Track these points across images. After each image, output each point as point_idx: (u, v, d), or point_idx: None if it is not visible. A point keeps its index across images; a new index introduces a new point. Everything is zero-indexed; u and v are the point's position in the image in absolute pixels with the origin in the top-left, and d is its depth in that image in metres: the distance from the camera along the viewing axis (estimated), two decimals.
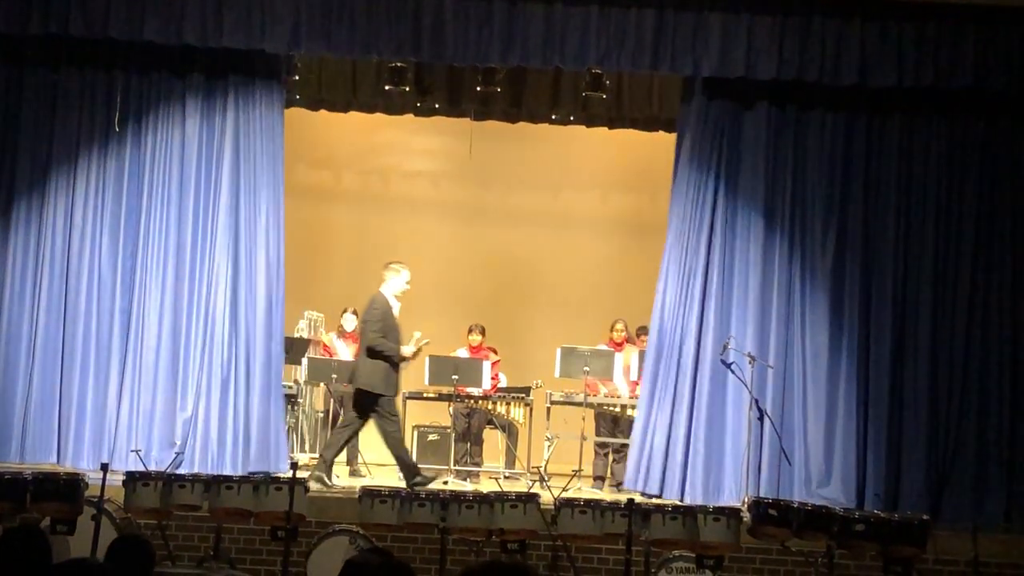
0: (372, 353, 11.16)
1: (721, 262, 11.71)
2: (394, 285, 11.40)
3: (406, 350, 11.31)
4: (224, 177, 11.80)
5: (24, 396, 11.56)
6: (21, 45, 11.69)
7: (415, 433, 13.17)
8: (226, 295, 11.66)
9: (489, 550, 8.92)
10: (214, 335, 11.62)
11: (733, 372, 11.42)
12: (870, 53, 11.32)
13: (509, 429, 12.90)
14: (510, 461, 12.96)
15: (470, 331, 12.93)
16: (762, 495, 10.63)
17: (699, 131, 11.83)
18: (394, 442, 11.30)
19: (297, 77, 12.51)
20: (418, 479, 11.14)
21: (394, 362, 11.23)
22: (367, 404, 11.22)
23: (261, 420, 11.61)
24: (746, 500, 10.39)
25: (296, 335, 13.50)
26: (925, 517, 8.75)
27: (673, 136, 13.70)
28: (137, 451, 10.95)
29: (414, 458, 12.94)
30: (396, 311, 11.41)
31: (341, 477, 12.24)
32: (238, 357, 11.63)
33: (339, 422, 12.00)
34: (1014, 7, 11.21)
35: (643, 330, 13.17)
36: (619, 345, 12.75)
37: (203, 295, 11.68)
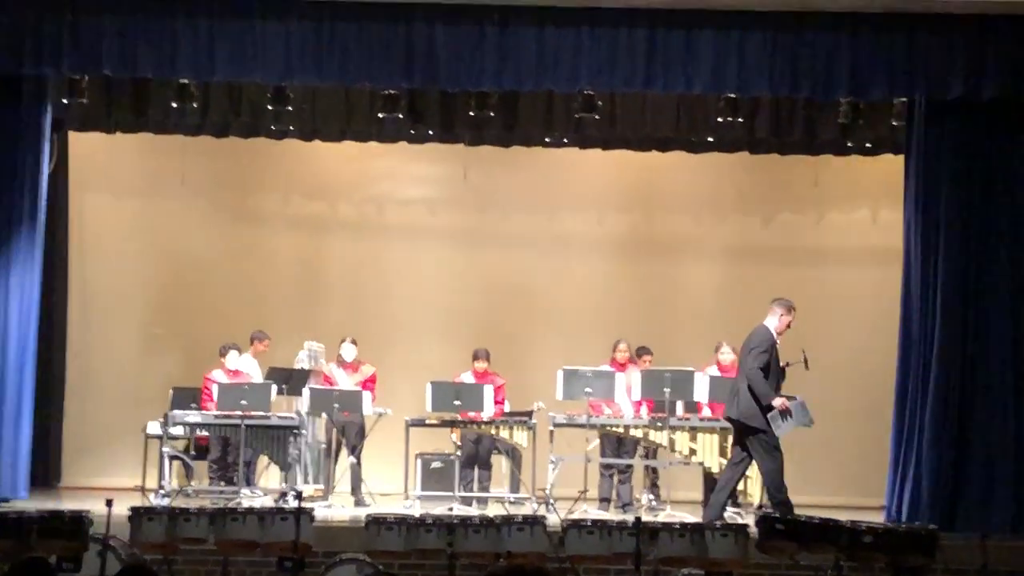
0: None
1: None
2: (779, 322, 10.95)
3: (776, 401, 10.69)
4: None
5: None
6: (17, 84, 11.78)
7: (418, 461, 13.14)
8: None
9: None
10: None
11: None
12: (861, 66, 11.35)
13: (512, 453, 12.87)
14: (515, 485, 12.93)
15: (475, 357, 12.87)
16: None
17: (922, 152, 11.83)
18: (770, 478, 10.77)
19: (290, 108, 12.54)
20: None
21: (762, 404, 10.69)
22: (746, 435, 10.79)
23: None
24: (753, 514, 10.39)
25: (296, 366, 13.47)
26: (933, 527, 8.74)
27: (667, 155, 13.89)
28: (141, 488, 10.94)
29: (418, 485, 12.94)
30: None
31: (346, 507, 12.24)
32: None
33: (728, 460, 11.30)
34: (1006, 15, 11.24)
35: (644, 350, 13.16)
36: (622, 366, 12.72)
37: None
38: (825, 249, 14.96)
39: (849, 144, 13.47)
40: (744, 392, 10.71)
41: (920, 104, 11.74)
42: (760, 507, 11.47)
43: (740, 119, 12.53)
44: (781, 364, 11.01)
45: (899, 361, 11.88)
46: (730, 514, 11.39)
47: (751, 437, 10.70)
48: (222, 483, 12.84)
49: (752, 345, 10.83)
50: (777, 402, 10.66)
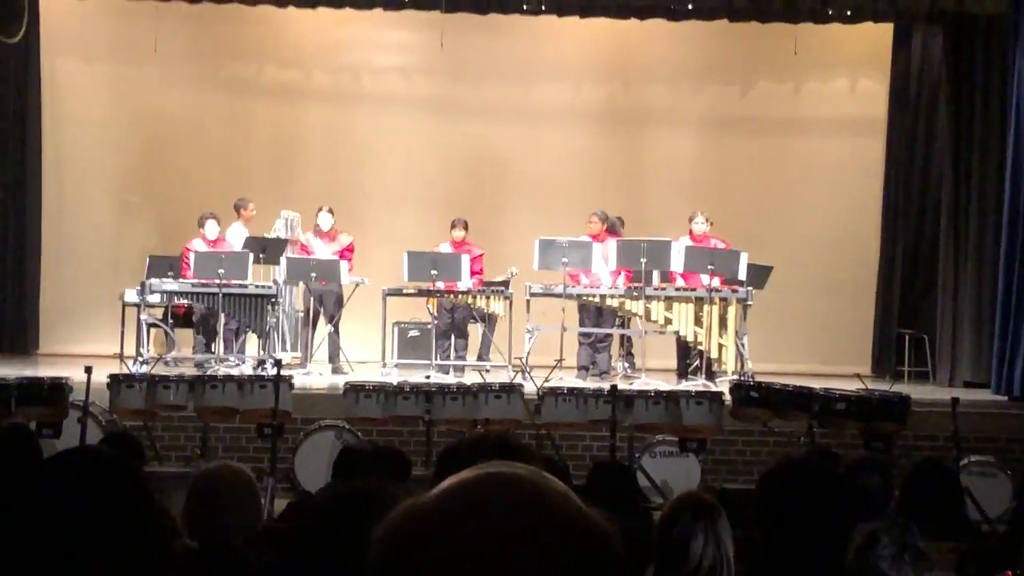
0: None
1: None
2: None
3: None
4: None
5: None
6: None
7: (395, 329, 13.19)
8: None
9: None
10: None
11: None
12: None
13: (488, 320, 12.90)
14: (486, 349, 12.95)
15: (453, 226, 12.82)
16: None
17: None
18: None
19: None
20: None
21: None
22: None
23: None
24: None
25: (273, 235, 13.44)
26: (905, 394, 8.85)
27: (645, 23, 13.76)
28: (120, 355, 10.93)
29: (395, 354, 12.99)
30: None
31: (324, 375, 12.32)
32: None
33: None
34: None
35: (620, 221, 13.15)
36: (598, 236, 12.65)
37: None
38: (803, 119, 14.91)
39: (830, 12, 13.32)
40: None
41: None
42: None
43: None
44: None
45: (1006, 236, 11.68)
46: (703, 383, 11.51)
47: None
48: (204, 350, 12.87)
49: None
50: None
